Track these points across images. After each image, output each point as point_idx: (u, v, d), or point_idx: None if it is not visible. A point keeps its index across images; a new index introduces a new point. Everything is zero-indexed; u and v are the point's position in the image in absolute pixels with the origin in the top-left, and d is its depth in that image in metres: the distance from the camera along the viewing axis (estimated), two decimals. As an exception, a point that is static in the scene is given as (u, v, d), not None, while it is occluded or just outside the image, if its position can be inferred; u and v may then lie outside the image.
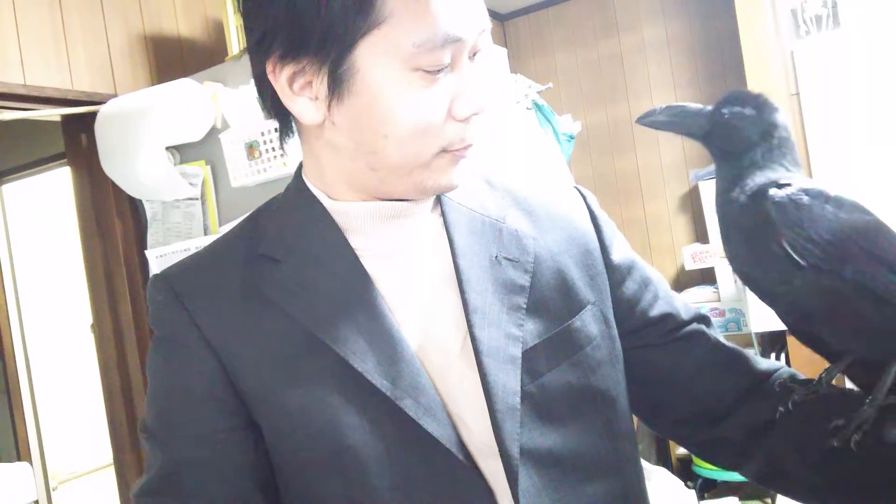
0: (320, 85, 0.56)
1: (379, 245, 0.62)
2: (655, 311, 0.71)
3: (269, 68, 0.57)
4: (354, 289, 0.60)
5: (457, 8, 0.54)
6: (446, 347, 0.61)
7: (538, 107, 2.50)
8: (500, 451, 0.58)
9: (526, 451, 0.59)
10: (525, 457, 0.58)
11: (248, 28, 0.59)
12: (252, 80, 0.62)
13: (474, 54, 0.58)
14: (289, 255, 0.61)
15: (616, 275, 0.70)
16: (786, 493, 0.68)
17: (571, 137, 2.54)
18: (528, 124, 2.36)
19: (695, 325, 0.72)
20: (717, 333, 0.74)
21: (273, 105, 0.61)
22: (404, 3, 0.53)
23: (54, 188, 3.81)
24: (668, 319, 0.72)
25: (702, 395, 0.71)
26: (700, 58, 2.99)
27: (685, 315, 0.73)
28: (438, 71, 0.55)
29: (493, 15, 3.33)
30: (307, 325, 0.58)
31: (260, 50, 0.57)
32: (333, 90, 0.56)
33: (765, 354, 2.50)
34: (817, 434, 0.60)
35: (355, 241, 0.62)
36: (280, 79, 0.57)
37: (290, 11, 0.54)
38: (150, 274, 1.87)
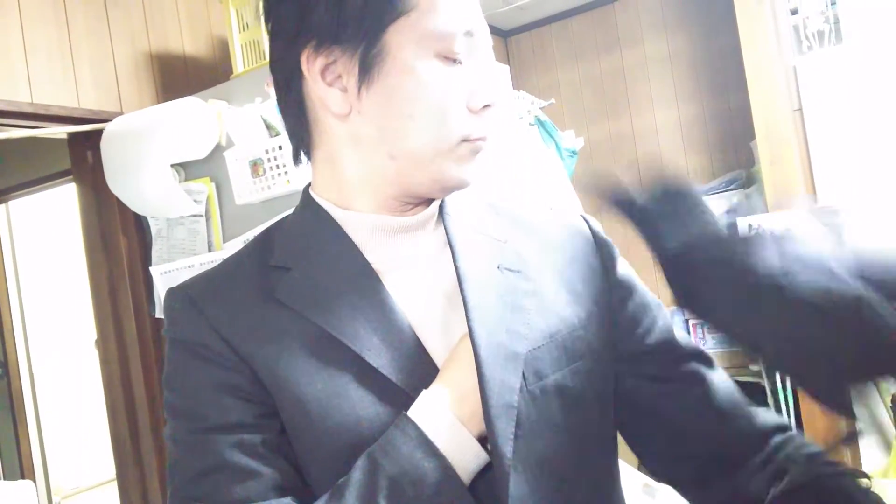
0: (350, 76, 0.59)
1: (384, 259, 0.64)
2: (652, 339, 0.70)
3: (303, 59, 0.60)
4: (365, 288, 0.62)
5: (468, 4, 0.60)
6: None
7: (541, 123, 2.51)
8: (491, 450, 0.56)
9: (520, 455, 0.58)
10: (518, 460, 0.57)
11: (279, 28, 0.62)
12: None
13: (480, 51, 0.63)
14: (299, 262, 0.63)
15: (616, 295, 0.71)
16: None
17: (574, 153, 2.54)
18: (531, 140, 2.37)
19: (693, 365, 0.70)
20: (718, 375, 0.71)
21: (297, 111, 0.64)
22: None
23: (60, 204, 3.84)
24: (666, 349, 0.70)
25: (690, 443, 0.68)
26: (702, 72, 3.00)
27: (684, 349, 0.70)
28: (455, 61, 0.59)
29: (496, 31, 3.35)
30: (321, 324, 0.59)
31: (294, 45, 0.60)
32: (364, 74, 0.59)
33: (768, 372, 2.49)
34: None
35: (365, 253, 0.64)
36: (314, 69, 0.60)
37: (328, 2, 0.58)
38: (155, 290, 1.88)
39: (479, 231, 0.68)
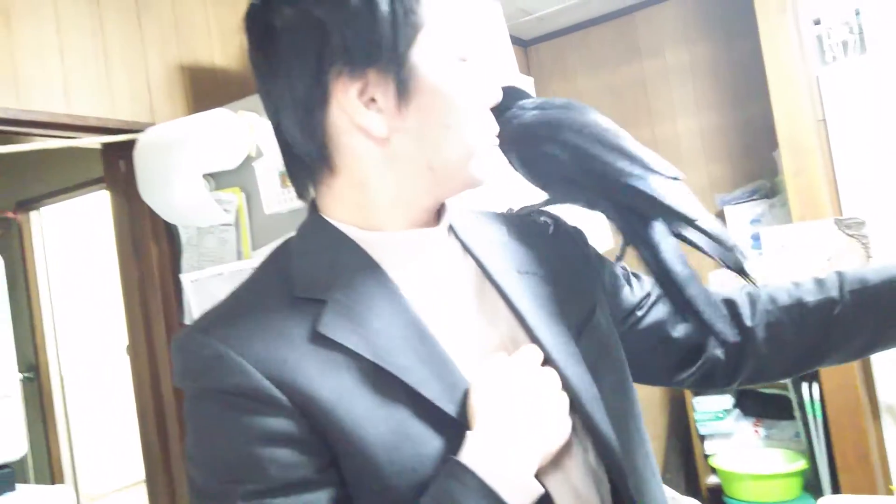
0: (385, 95, 0.59)
1: (409, 277, 0.63)
2: (635, 295, 0.80)
3: (337, 86, 0.59)
4: (402, 318, 0.60)
5: (467, 5, 0.66)
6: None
7: (563, 132, 2.52)
8: (594, 437, 0.62)
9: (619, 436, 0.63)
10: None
11: (290, 58, 0.59)
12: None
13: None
14: (331, 293, 0.59)
15: (601, 277, 0.78)
16: (764, 379, 0.82)
17: (596, 162, 2.55)
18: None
19: (658, 289, 0.80)
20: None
21: (317, 140, 0.61)
22: (435, 4, 0.61)
23: (91, 211, 3.90)
24: (646, 298, 0.80)
25: (684, 336, 0.79)
26: (724, 81, 3.00)
27: (650, 286, 0.81)
28: (467, 61, 0.62)
29: (516, 41, 3.37)
30: (371, 358, 0.57)
31: (317, 73, 0.58)
32: (401, 95, 0.59)
33: (795, 386, 2.48)
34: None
35: (389, 274, 0.63)
36: (350, 95, 0.59)
37: (356, 28, 0.57)
38: (184, 297, 1.91)
39: (484, 237, 0.71)
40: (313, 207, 0.66)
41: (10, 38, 1.67)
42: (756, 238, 2.74)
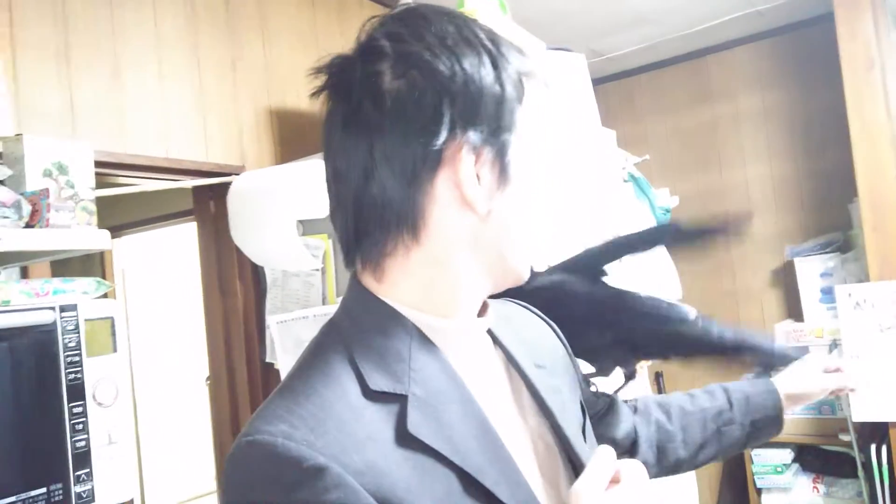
0: (491, 174, 0.59)
1: (464, 365, 0.62)
2: (598, 403, 0.90)
3: (458, 158, 0.57)
4: (472, 413, 0.58)
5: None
6: (538, 464, 0.64)
7: (634, 179, 2.53)
8: None
9: None
10: None
11: (402, 115, 0.56)
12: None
13: None
14: (409, 386, 0.56)
15: (577, 371, 0.82)
16: (674, 473, 0.96)
17: (668, 211, 2.55)
18: (624, 197, 2.39)
19: (605, 397, 0.93)
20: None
21: (405, 209, 0.57)
22: (535, 97, 0.62)
23: (170, 240, 4.01)
24: (604, 405, 0.91)
25: (623, 436, 0.90)
26: (799, 129, 2.96)
27: (606, 401, 0.92)
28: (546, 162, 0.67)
29: (586, 80, 3.39)
30: (457, 462, 0.54)
31: (445, 143, 0.56)
32: (502, 177, 0.59)
33: (864, 447, 2.41)
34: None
35: (450, 362, 0.61)
36: (468, 166, 0.57)
37: (487, 104, 0.57)
38: (267, 337, 1.96)
39: (506, 328, 0.71)
40: (357, 283, 0.62)
41: (120, 91, 1.76)
42: (826, 292, 2.70)
